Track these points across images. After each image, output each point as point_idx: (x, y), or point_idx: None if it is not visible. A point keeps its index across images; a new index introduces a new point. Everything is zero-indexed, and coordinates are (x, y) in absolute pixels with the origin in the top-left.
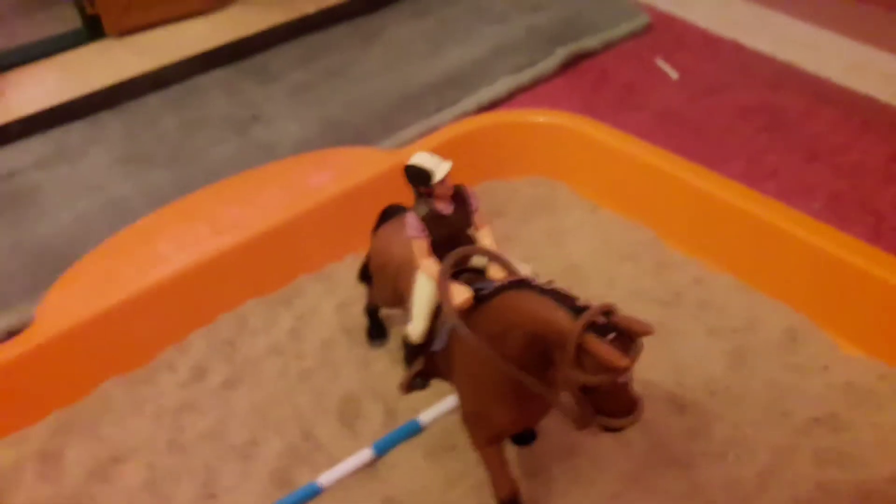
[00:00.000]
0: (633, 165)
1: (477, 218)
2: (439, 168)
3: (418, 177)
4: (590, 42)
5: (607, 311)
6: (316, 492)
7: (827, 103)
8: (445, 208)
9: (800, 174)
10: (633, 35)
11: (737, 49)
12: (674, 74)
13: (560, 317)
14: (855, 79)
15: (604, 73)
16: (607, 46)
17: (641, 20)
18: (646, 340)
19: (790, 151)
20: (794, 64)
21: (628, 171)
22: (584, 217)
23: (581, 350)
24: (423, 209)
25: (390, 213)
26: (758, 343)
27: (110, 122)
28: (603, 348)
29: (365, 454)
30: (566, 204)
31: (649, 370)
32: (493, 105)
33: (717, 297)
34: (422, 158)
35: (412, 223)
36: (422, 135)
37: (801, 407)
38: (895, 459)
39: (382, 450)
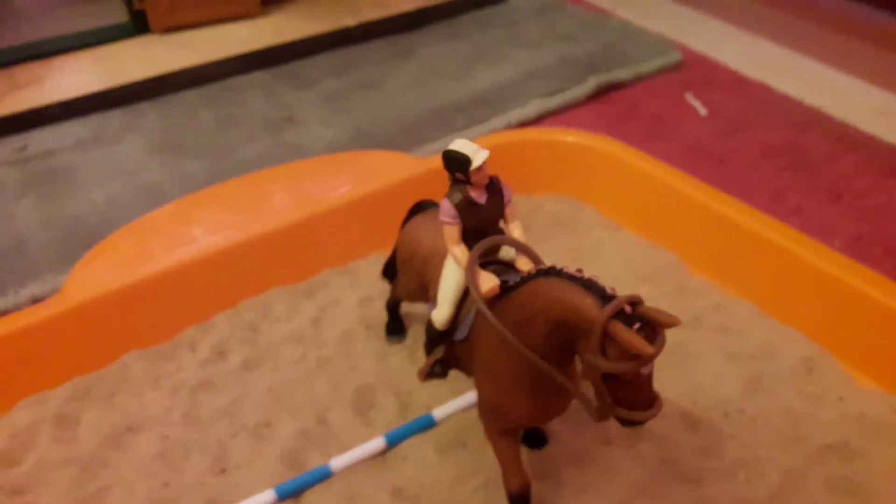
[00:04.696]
0: (658, 189)
1: (509, 210)
2: (477, 155)
3: (456, 162)
4: (622, 73)
5: (634, 302)
6: (326, 475)
7: (851, 148)
8: (479, 197)
9: (822, 214)
10: (665, 70)
11: (764, 90)
12: (702, 110)
13: (588, 303)
14: (881, 126)
15: (633, 104)
16: (638, 79)
17: (673, 56)
18: (663, 360)
19: (813, 191)
20: (821, 108)
21: (653, 194)
22: (607, 237)
23: (606, 337)
24: (458, 196)
25: (421, 208)
26: (774, 370)
27: (148, 113)
28: (629, 336)
29: (377, 443)
30: (589, 223)
31: (666, 389)
32: (520, 126)
33: (736, 322)
34: (461, 145)
35: (446, 208)
36: None
37: (815, 434)
38: None
39: (394, 440)
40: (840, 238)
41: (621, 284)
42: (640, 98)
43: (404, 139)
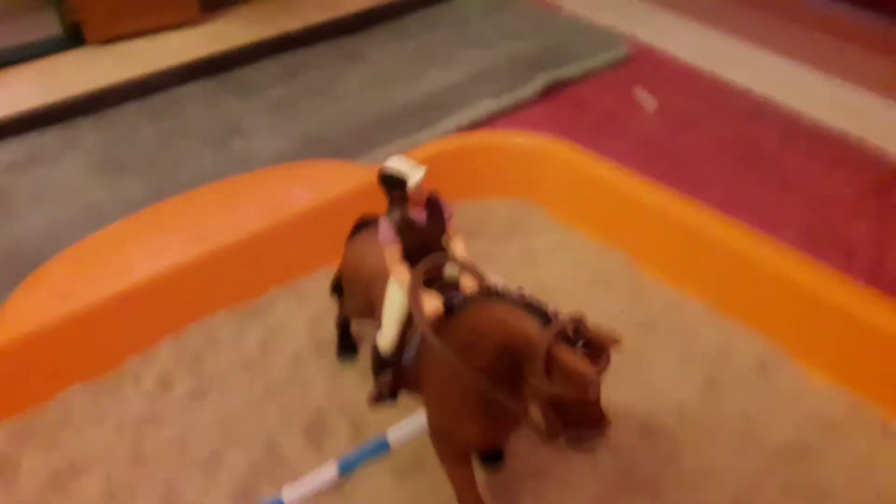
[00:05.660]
0: (609, 190)
1: (450, 227)
2: (414, 173)
3: (392, 181)
4: (569, 70)
5: (577, 323)
6: None
7: (802, 138)
8: (419, 214)
9: (773, 205)
10: (613, 65)
11: (714, 82)
12: (652, 104)
13: (530, 326)
14: (830, 114)
15: (583, 101)
16: (587, 75)
17: (620, 51)
18: (618, 364)
19: (764, 183)
20: (771, 98)
21: (604, 195)
22: (559, 240)
23: (550, 360)
24: (396, 215)
25: (365, 223)
26: (730, 371)
27: (87, 129)
28: (571, 358)
29: (330, 471)
30: (541, 226)
31: (621, 395)
32: (471, 127)
33: (690, 324)
34: (397, 163)
35: (384, 229)
36: (400, 152)
37: (772, 436)
38: (863, 491)
39: (348, 467)
40: (792, 229)
41: (574, 288)
42: (590, 95)
43: (355, 144)
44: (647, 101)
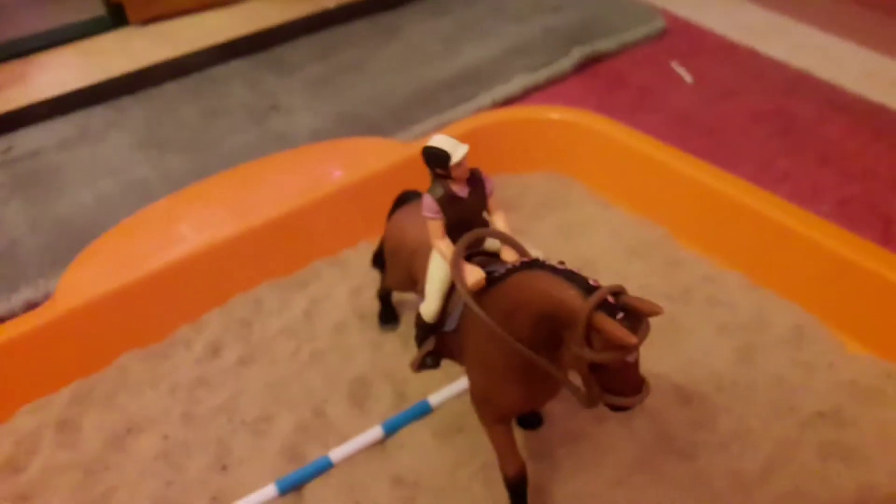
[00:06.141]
0: (646, 163)
1: (491, 201)
2: (457, 150)
3: (436, 158)
4: (606, 44)
5: (616, 292)
6: (326, 466)
7: (839, 111)
8: (461, 190)
9: (810, 178)
10: (649, 39)
11: (751, 55)
12: (688, 78)
13: (571, 296)
14: (868, 87)
15: (619, 75)
16: (623, 49)
17: (657, 24)
18: (655, 335)
19: (801, 156)
20: (808, 71)
21: (641, 168)
22: (596, 213)
23: (591, 328)
24: (439, 191)
25: (406, 199)
26: (765, 340)
27: (131, 108)
28: (612, 326)
29: (375, 432)
30: (578, 200)
31: (658, 363)
32: (507, 102)
33: (727, 294)
34: (440, 140)
35: (428, 204)
36: (436, 129)
37: (806, 402)
38: None
39: (392, 429)
40: (828, 202)
41: (611, 260)
42: (626, 68)
43: (391, 122)
44: (684, 75)
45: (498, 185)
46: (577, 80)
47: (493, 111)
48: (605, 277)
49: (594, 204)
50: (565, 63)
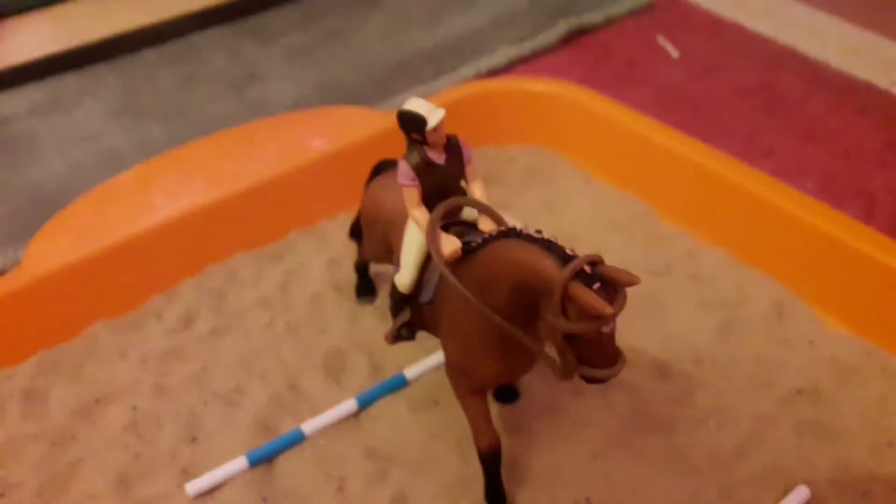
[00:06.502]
0: (630, 137)
1: (469, 170)
2: (433, 115)
3: (412, 122)
4: (592, 16)
5: (594, 262)
6: (299, 439)
7: (825, 87)
8: (438, 157)
9: (795, 155)
10: (636, 12)
11: (737, 30)
12: (675, 53)
13: (547, 265)
14: (853, 63)
15: (605, 48)
16: (609, 22)
17: None
18: (634, 309)
19: (786, 132)
20: (794, 47)
21: (624, 142)
22: (579, 187)
23: (566, 298)
24: (415, 157)
25: (383, 167)
26: (746, 316)
27: (106, 75)
28: (588, 296)
29: (349, 405)
30: (561, 173)
31: (637, 338)
32: (491, 74)
33: (708, 270)
34: (416, 104)
35: (403, 170)
36: None
37: (785, 379)
38: (874, 432)
39: (366, 402)
40: (813, 179)
41: (594, 235)
42: (613, 42)
43: (373, 91)
44: (670, 49)
45: (480, 158)
46: (562, 54)
47: (476, 82)
48: (586, 250)
49: (576, 178)
50: (551, 35)
